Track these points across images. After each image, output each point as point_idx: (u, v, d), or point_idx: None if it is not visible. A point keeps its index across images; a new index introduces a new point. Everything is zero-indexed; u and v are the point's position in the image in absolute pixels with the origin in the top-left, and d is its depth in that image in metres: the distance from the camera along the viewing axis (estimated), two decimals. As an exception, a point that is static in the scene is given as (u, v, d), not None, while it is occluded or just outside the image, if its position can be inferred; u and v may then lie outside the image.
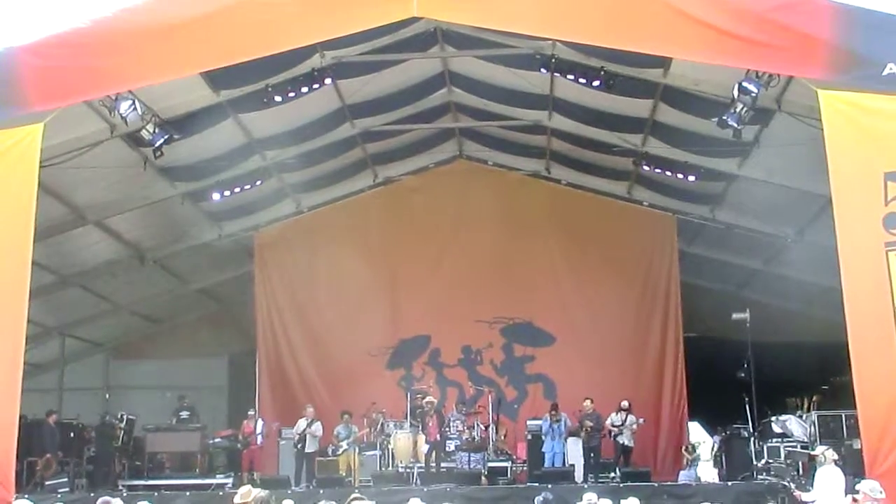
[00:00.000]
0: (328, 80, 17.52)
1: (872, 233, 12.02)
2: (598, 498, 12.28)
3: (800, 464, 16.46)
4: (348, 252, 23.00)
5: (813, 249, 18.52)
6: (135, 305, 24.68)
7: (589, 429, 19.36)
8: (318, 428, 19.80)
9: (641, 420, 20.11)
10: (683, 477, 20.06)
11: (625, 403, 19.88)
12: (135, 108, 14.81)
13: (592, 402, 19.72)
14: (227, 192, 20.01)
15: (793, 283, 22.36)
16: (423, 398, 19.67)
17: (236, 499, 11.24)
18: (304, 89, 17.07)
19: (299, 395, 22.61)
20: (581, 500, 12.36)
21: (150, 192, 19.11)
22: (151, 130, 15.80)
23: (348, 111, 19.49)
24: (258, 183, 20.60)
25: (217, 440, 20.47)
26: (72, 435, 19.82)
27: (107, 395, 25.05)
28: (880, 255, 12.01)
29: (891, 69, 11.98)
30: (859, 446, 12.44)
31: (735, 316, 19.84)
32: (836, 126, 12.22)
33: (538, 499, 12.04)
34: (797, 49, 12.40)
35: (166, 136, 16.04)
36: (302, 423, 19.87)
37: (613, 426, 19.74)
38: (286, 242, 23.67)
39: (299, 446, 19.76)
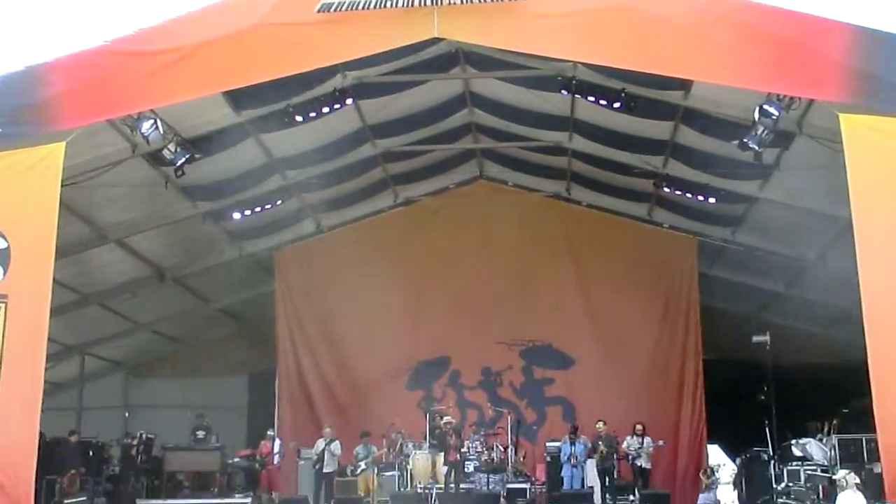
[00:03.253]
0: (350, 101, 17.56)
1: (893, 256, 11.92)
2: None
3: (820, 488, 16.29)
4: (369, 272, 22.98)
5: (834, 272, 18.39)
6: (155, 324, 24.77)
7: (603, 451, 19.23)
8: (336, 447, 19.83)
9: (661, 442, 20.06)
10: (703, 500, 19.91)
11: (639, 427, 19.79)
12: (156, 128, 14.78)
13: (605, 424, 19.68)
14: (247, 212, 20.07)
15: (813, 306, 22.23)
16: (442, 419, 19.56)
17: None
18: (326, 109, 17.06)
19: (319, 415, 22.60)
20: None
21: (171, 211, 19.17)
22: (173, 150, 15.78)
23: (369, 131, 19.54)
24: (279, 202, 20.68)
25: (236, 460, 20.18)
26: (91, 454, 19.69)
27: (126, 414, 25.00)
28: (901, 278, 11.89)
29: (913, 93, 11.89)
30: (880, 470, 12.22)
31: (755, 339, 19.70)
32: (857, 149, 12.09)
33: None
34: (817, 72, 12.33)
35: (188, 156, 16.02)
36: (320, 443, 19.94)
37: (630, 450, 19.65)
38: (307, 262, 23.70)
39: (317, 466, 19.78)
